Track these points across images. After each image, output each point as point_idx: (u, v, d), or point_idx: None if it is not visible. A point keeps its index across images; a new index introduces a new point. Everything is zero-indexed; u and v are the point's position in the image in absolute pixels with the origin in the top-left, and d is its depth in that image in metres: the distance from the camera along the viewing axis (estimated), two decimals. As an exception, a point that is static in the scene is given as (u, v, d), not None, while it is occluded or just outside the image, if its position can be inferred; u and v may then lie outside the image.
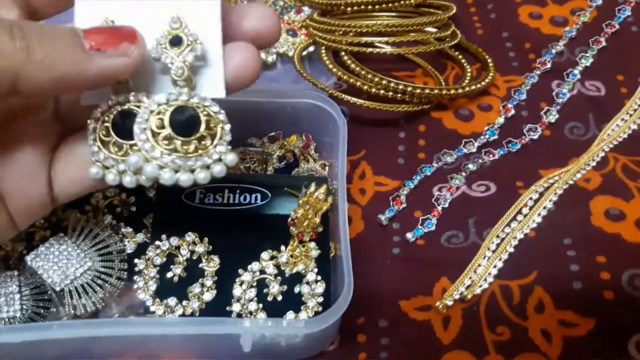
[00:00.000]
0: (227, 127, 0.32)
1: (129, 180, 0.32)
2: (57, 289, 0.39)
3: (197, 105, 0.31)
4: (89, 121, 0.32)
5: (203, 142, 0.31)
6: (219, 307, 0.41)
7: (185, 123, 0.31)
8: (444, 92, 0.53)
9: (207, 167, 0.31)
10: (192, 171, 0.31)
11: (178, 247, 0.43)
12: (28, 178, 0.33)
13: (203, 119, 0.31)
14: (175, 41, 0.31)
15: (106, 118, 0.32)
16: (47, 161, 0.34)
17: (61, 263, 0.40)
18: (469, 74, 0.57)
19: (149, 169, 0.31)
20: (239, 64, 0.33)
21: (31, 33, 0.27)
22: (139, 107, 0.32)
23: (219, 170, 0.32)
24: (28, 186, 0.33)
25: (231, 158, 0.32)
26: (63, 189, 0.34)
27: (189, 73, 0.32)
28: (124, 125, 0.32)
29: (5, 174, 0.33)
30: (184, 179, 0.31)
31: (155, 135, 0.31)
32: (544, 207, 0.48)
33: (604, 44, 0.58)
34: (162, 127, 0.31)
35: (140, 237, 0.44)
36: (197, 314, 0.41)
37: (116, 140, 0.32)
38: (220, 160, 0.32)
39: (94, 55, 0.28)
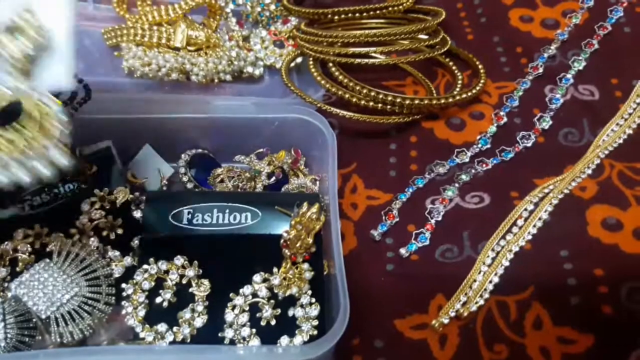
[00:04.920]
0: (56, 122, 0.29)
1: None
2: (43, 316, 0.38)
3: (26, 98, 0.28)
4: None
5: (31, 140, 0.28)
6: (210, 333, 0.40)
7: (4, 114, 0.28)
8: (434, 102, 0.52)
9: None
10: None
11: (167, 271, 0.42)
12: None
13: (32, 112, 0.28)
14: (13, 29, 0.29)
15: None
16: None
17: (47, 290, 0.39)
18: (460, 82, 0.56)
19: None
20: None
21: None
22: None
23: (41, 168, 0.29)
24: None
25: (58, 156, 0.29)
26: None
27: (27, 63, 0.29)
28: None
29: None
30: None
31: None
32: (539, 218, 0.47)
33: (596, 46, 0.57)
34: None
35: (128, 260, 0.43)
36: (189, 341, 0.40)
37: None
38: (46, 158, 0.29)
39: None
